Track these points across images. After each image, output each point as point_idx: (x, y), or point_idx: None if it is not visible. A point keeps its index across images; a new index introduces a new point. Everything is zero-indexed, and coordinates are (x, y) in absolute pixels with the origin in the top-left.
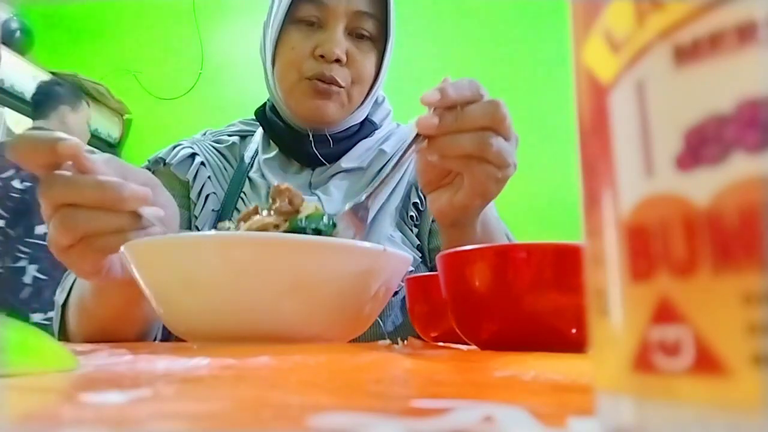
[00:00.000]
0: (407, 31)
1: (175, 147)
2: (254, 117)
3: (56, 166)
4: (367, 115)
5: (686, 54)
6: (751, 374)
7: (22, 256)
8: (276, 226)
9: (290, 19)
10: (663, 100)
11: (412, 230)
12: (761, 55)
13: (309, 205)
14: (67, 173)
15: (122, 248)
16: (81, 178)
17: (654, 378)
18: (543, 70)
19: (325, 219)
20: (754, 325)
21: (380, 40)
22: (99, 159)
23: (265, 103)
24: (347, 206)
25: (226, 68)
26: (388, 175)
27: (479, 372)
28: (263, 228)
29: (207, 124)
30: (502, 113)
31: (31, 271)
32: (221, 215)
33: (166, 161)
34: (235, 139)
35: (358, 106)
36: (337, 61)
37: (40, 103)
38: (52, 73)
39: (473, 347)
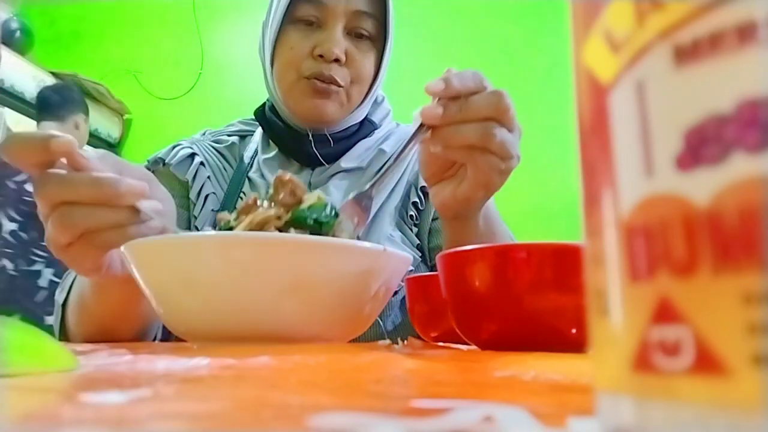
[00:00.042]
0: (406, 31)
1: (174, 147)
2: (254, 117)
3: (50, 164)
4: (367, 115)
5: (686, 54)
6: (751, 374)
7: (38, 259)
8: (278, 218)
9: (289, 18)
10: (663, 100)
11: (411, 229)
12: (761, 55)
13: (312, 195)
14: (62, 171)
15: (122, 248)
16: (76, 175)
17: (654, 378)
18: (543, 70)
19: (327, 209)
20: (754, 325)
21: (379, 40)
22: (93, 155)
23: (264, 103)
24: (351, 195)
25: (226, 68)
26: (391, 166)
27: (479, 372)
28: (265, 220)
29: (207, 124)
30: (505, 104)
31: (47, 274)
32: None
33: (166, 161)
34: (235, 139)
35: (358, 106)
36: (336, 60)
37: (56, 105)
38: (53, 73)
39: (473, 347)
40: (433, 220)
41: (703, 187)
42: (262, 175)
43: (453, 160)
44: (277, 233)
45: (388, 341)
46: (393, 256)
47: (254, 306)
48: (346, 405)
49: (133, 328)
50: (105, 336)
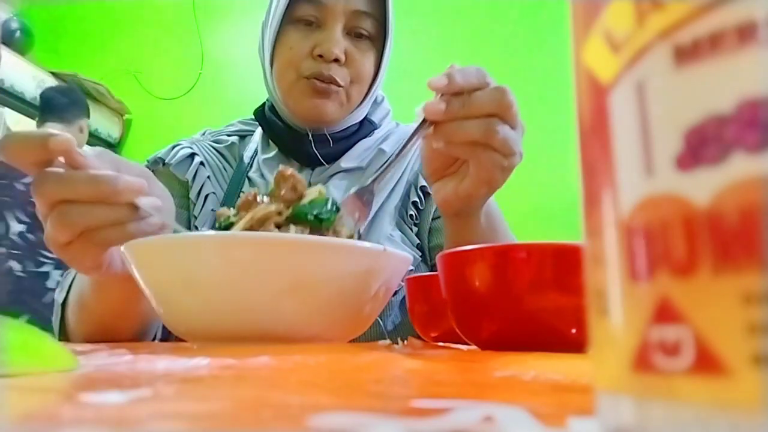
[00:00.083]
0: (406, 31)
1: (174, 147)
2: (253, 117)
3: (48, 163)
4: (367, 115)
5: (686, 54)
6: (751, 374)
7: (46, 261)
8: (279, 213)
9: (288, 18)
10: (663, 100)
11: (411, 229)
12: (761, 55)
13: (313, 190)
14: (60, 170)
15: (122, 248)
16: (74, 173)
17: (654, 378)
18: (543, 70)
19: (328, 204)
20: (754, 325)
21: (379, 40)
22: (91, 153)
23: (264, 103)
24: (353, 190)
25: (226, 68)
26: (393, 162)
27: (479, 372)
28: (266, 216)
29: (207, 124)
30: (508, 100)
31: (55, 276)
32: None
33: (165, 161)
34: (235, 139)
35: (357, 106)
36: (336, 60)
37: (62, 108)
38: (53, 73)
39: (473, 347)
40: (433, 219)
41: (703, 187)
42: (262, 175)
43: (455, 156)
44: (277, 233)
45: (388, 341)
46: (393, 256)
47: (254, 306)
48: (346, 405)
49: (133, 326)
50: (105, 335)
